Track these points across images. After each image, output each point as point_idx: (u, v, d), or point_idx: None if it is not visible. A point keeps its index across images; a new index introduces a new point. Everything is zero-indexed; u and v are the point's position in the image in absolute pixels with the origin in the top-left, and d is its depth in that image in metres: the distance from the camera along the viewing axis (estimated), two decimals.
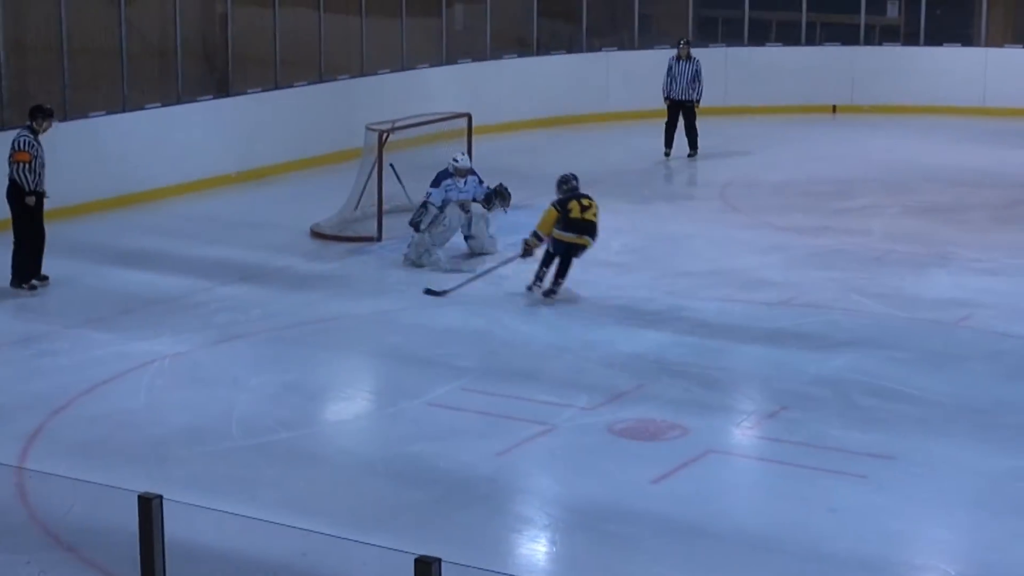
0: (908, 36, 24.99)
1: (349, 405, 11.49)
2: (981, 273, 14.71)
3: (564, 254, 13.85)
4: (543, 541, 8.96)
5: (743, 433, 10.68)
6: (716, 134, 21.72)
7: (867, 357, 12.05)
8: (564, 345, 12.46)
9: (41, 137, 13.90)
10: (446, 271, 14.60)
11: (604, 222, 14.06)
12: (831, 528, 8.93)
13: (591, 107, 22.89)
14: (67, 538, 8.51)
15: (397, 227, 15.67)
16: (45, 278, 14.05)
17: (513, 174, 17.64)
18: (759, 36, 25.02)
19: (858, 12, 24.74)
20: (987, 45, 24.52)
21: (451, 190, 15.16)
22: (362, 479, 9.80)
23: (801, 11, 24.59)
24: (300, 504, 9.24)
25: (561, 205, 13.85)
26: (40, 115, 13.95)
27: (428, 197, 15.11)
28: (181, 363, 12.05)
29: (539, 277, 13.88)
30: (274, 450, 10.19)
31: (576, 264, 13.77)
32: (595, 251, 13.95)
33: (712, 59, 23.33)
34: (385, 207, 16.03)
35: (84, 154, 17.18)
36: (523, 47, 23.80)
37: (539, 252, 13.99)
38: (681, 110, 20.99)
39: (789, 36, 24.89)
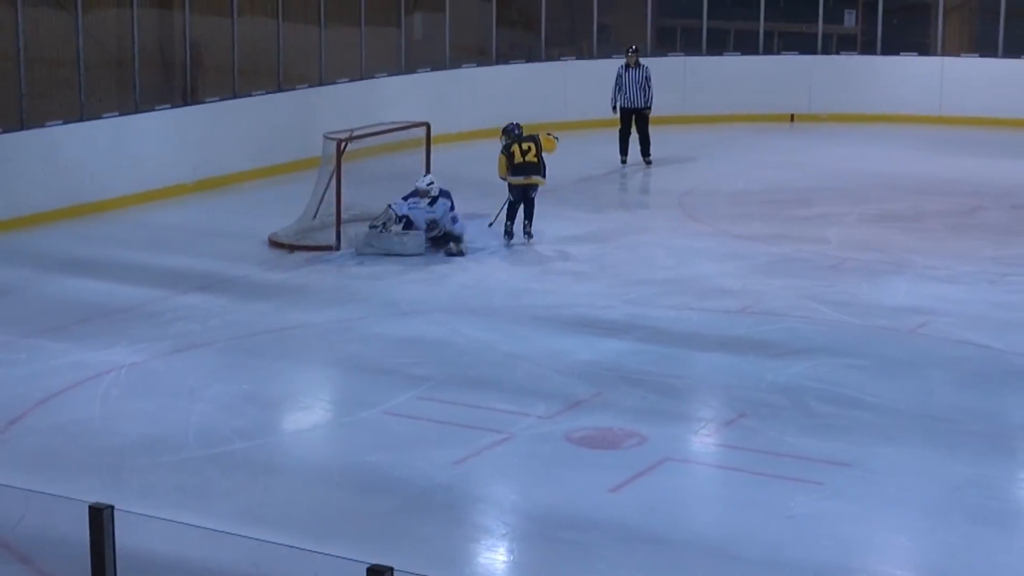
0: (865, 45, 25.13)
1: (307, 415, 11.45)
2: (938, 281, 14.77)
3: (522, 198, 15.96)
4: (501, 550, 8.93)
5: (701, 441, 10.69)
6: (675, 143, 21.76)
7: (824, 365, 12.09)
8: (522, 353, 12.44)
9: None
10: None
11: (562, 231, 14.07)
12: (788, 535, 8.93)
13: (550, 116, 22.88)
14: (20, 549, 8.43)
15: (355, 236, 15.67)
16: None
17: (472, 183, 17.67)
18: (717, 45, 25.11)
19: (816, 21, 24.86)
20: (944, 54, 24.64)
21: (415, 208, 15.37)
22: (319, 489, 9.76)
23: (759, 20, 24.71)
24: (257, 514, 9.20)
25: (506, 150, 16.17)
26: None
27: (392, 205, 15.34)
28: (138, 373, 11.98)
29: (508, 232, 15.85)
30: (231, 460, 10.14)
31: (535, 271, 13.77)
32: (553, 260, 13.94)
33: (671, 68, 23.42)
34: (343, 216, 16.02)
35: (41, 163, 17.09)
36: (482, 56, 23.81)
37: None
38: (634, 117, 21.07)
39: (747, 45, 25.00)
